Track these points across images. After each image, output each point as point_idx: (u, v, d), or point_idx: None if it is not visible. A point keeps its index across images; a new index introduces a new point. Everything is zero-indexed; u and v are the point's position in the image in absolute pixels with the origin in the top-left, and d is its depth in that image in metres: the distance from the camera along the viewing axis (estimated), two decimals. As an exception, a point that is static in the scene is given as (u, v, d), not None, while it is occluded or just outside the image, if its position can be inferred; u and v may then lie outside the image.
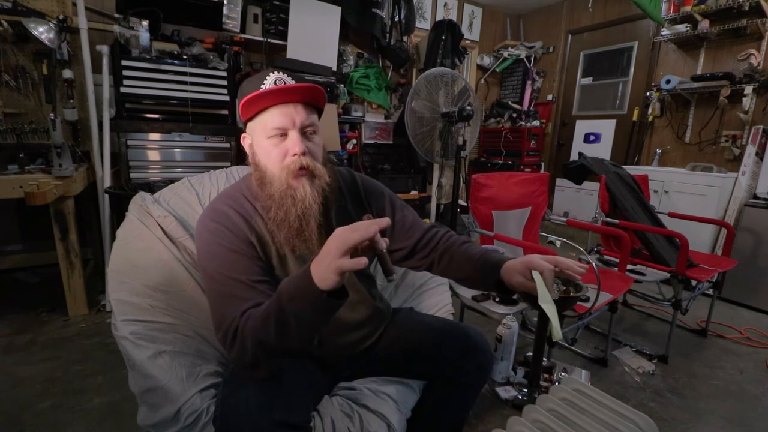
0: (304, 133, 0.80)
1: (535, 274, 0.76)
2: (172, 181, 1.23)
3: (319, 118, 0.86)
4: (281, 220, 0.79)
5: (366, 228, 0.61)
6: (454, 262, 0.91)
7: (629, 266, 1.94)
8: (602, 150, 3.90)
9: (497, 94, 4.80)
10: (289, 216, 0.79)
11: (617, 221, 2.07)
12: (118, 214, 1.95)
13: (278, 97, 0.78)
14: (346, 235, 0.61)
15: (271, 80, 0.79)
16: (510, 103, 4.48)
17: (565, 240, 1.66)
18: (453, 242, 0.94)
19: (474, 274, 0.89)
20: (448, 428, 1.00)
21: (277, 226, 0.80)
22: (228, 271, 0.75)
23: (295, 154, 0.78)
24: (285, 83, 0.79)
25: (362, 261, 0.60)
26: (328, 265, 0.61)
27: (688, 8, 3.07)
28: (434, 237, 0.95)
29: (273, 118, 0.78)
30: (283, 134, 0.79)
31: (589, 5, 3.81)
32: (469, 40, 4.40)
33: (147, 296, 0.94)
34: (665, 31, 3.25)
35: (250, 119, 0.82)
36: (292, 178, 0.79)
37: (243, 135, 0.86)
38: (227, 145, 2.52)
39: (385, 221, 0.63)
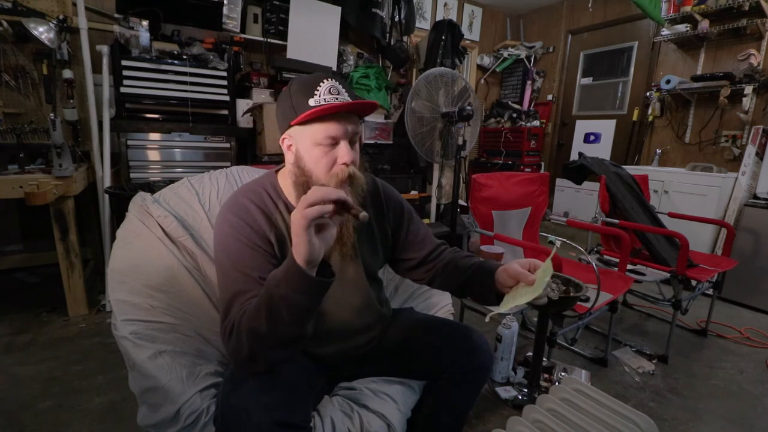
0: (351, 141, 0.82)
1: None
2: (172, 181, 1.23)
3: None
4: None
5: (323, 196, 0.63)
6: (455, 271, 0.95)
7: (629, 266, 1.94)
8: (602, 150, 3.90)
9: (497, 94, 4.80)
10: None
11: (617, 221, 2.07)
12: (118, 214, 1.95)
13: (336, 107, 0.78)
14: (303, 211, 0.63)
15: (325, 87, 0.79)
16: (510, 103, 4.48)
17: (565, 240, 1.66)
18: (456, 255, 0.99)
19: (473, 277, 0.91)
20: (448, 428, 1.00)
21: None
22: (241, 266, 0.77)
23: (344, 163, 0.79)
24: (338, 92, 0.80)
25: (327, 208, 0.63)
26: (296, 231, 0.63)
27: (688, 8, 3.07)
28: (442, 252, 1.01)
29: (328, 127, 0.78)
30: (335, 143, 0.80)
31: (589, 5, 3.80)
32: (469, 40, 4.39)
33: (147, 296, 0.94)
34: (665, 31, 3.25)
35: (300, 123, 0.80)
36: (339, 186, 0.79)
37: (283, 137, 0.85)
38: (227, 145, 2.52)
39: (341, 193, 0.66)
